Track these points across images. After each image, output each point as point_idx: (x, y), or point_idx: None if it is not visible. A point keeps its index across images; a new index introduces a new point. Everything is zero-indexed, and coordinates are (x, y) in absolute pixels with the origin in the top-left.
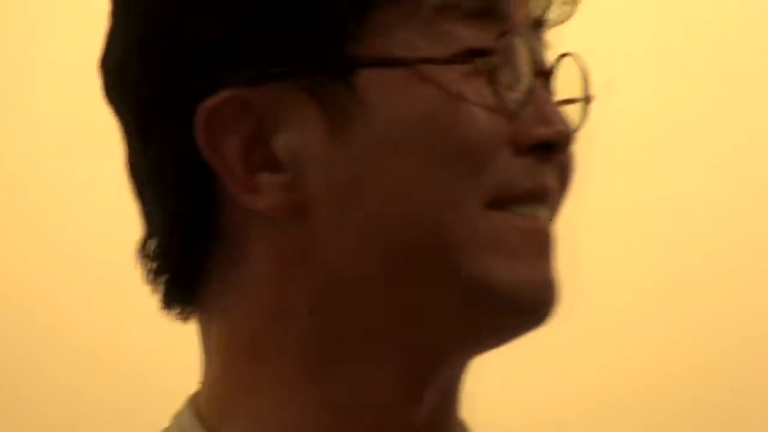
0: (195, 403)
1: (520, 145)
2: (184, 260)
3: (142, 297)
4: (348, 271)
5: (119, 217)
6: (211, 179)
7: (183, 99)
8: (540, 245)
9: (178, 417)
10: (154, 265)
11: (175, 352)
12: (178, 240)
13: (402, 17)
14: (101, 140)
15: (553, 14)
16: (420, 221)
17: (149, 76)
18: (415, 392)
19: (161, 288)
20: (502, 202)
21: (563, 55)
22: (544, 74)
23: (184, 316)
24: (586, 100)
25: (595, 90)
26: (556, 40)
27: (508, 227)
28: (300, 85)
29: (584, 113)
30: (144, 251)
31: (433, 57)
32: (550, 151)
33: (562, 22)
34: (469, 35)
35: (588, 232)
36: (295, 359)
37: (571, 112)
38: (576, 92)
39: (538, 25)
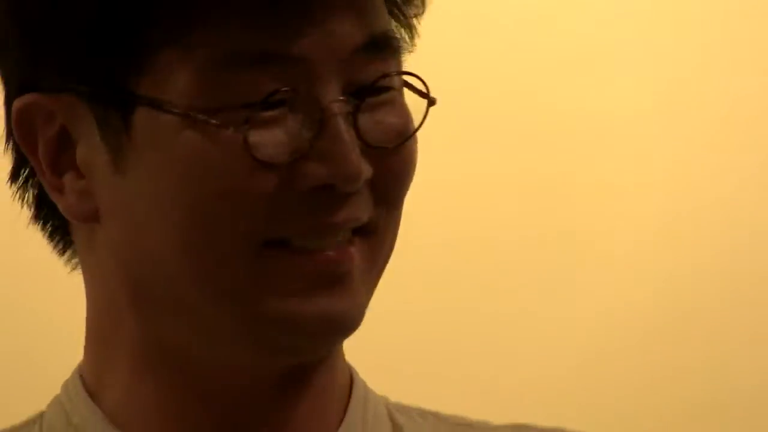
0: (80, 367)
1: (300, 186)
2: (55, 221)
3: None
4: (138, 279)
5: None
6: None
7: (10, 92)
8: (322, 279)
9: (65, 384)
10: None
11: None
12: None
13: (182, 63)
14: None
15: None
16: (184, 260)
17: None
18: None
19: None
20: (281, 240)
21: (383, 76)
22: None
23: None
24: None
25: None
26: None
27: (283, 267)
28: (91, 107)
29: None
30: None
31: (206, 107)
32: (333, 191)
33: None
34: (251, 82)
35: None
36: (130, 347)
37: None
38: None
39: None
